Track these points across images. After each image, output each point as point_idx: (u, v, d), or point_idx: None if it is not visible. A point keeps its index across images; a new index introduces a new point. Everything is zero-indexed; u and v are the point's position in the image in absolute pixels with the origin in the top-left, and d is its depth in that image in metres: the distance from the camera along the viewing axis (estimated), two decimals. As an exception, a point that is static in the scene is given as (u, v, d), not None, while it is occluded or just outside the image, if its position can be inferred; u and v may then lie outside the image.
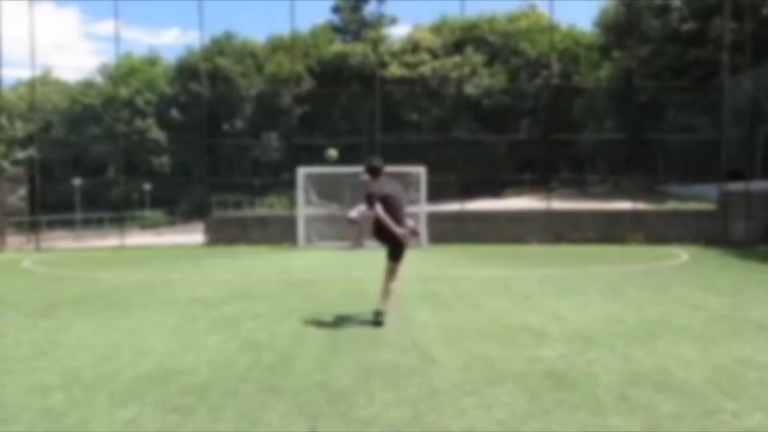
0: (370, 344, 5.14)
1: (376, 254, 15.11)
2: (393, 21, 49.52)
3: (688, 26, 28.81)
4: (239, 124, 43.32)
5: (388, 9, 60.04)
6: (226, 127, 41.06)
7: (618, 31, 32.69)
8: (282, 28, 77.01)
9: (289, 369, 4.43)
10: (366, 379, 4.13)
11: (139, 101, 44.34)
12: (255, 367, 4.50)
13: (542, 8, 43.84)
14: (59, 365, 4.63)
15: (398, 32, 50.65)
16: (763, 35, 21.95)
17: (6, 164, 35.28)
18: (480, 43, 42.32)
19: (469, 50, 39.95)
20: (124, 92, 40.14)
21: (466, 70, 38.45)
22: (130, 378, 4.23)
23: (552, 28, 29.43)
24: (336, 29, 49.94)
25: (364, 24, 49.02)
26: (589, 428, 3.22)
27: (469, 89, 37.94)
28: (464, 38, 39.54)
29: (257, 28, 77.02)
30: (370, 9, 49.03)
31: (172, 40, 75.83)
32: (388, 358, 4.68)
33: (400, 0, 65.53)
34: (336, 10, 49.48)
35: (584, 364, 4.47)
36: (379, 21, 45.98)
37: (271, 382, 4.12)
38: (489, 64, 42.42)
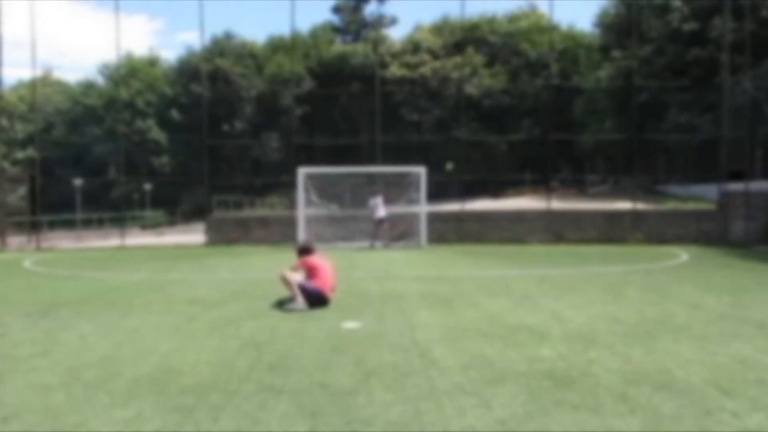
0: (370, 344, 5.14)
1: (377, 255, 15.12)
2: (393, 21, 49.60)
3: (689, 26, 28.82)
4: (239, 124, 43.34)
5: (389, 9, 60.16)
6: (226, 127, 41.08)
7: (618, 30, 32.70)
8: (282, 29, 77.24)
9: (289, 369, 4.43)
10: (366, 379, 4.13)
11: (140, 102, 44.38)
12: (255, 367, 4.50)
13: (542, 8, 43.93)
14: (60, 365, 4.63)
15: (398, 33, 50.65)
16: (763, 35, 21.96)
17: (6, 164, 35.29)
18: (480, 43, 42.35)
19: (470, 50, 39.99)
20: (124, 93, 40.18)
21: (467, 70, 38.47)
22: (131, 378, 4.24)
23: (552, 28, 29.46)
24: (336, 29, 49.96)
25: (364, 24, 49.05)
26: (589, 428, 3.22)
27: (470, 89, 37.96)
28: (465, 39, 39.57)
29: (257, 28, 77.22)
30: (370, 9, 49.06)
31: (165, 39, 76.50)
32: (388, 358, 4.69)
33: (400, 0, 65.63)
34: (336, 10, 49.50)
35: (584, 364, 4.47)
36: (379, 21, 46.03)
37: (271, 382, 4.12)
38: (489, 64, 42.47)
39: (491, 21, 45.05)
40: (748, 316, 6.35)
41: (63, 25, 74.38)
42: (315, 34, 47.81)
